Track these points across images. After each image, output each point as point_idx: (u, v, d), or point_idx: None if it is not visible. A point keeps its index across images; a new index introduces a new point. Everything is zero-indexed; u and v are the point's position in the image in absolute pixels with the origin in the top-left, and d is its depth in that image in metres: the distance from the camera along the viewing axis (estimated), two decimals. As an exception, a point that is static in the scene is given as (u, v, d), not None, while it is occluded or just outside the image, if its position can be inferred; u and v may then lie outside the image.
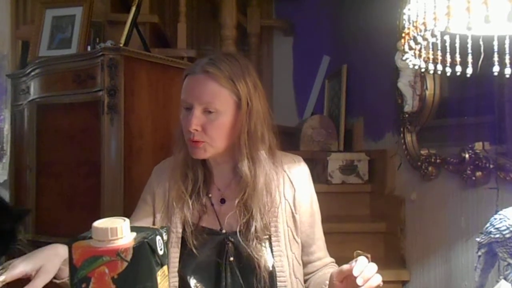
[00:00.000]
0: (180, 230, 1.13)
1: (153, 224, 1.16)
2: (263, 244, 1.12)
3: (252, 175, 1.10)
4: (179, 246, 1.13)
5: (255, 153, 1.11)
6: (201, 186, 1.15)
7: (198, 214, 1.15)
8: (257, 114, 1.10)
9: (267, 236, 1.12)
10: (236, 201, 1.11)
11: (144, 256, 0.54)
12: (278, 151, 1.18)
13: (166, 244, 0.59)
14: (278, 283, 1.11)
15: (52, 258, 0.93)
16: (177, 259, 1.12)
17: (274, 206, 1.13)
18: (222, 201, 1.16)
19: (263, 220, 1.11)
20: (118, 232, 0.55)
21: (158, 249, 0.56)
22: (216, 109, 1.06)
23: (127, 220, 0.59)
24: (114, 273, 0.53)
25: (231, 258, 1.10)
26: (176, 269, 1.11)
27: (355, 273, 0.89)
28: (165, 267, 0.58)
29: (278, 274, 1.11)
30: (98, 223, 0.56)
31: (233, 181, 1.16)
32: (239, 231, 1.11)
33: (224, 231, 1.13)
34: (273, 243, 1.12)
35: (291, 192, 1.17)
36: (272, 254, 1.12)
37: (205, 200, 1.16)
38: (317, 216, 1.21)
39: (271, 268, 1.11)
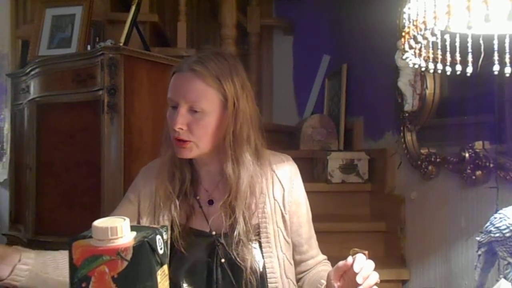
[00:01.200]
0: (168, 232, 1.11)
1: (139, 221, 1.14)
2: (252, 246, 1.10)
3: (236, 176, 1.08)
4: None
5: (239, 155, 1.08)
6: (188, 186, 1.13)
7: (185, 215, 1.13)
8: (244, 115, 1.08)
9: (257, 238, 1.11)
10: (221, 203, 1.10)
11: (144, 255, 0.54)
12: (266, 151, 1.16)
13: (166, 243, 0.59)
14: (269, 285, 1.09)
15: None
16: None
17: (258, 208, 1.12)
18: (210, 202, 1.15)
19: (246, 223, 1.09)
20: (118, 231, 0.55)
21: (158, 248, 0.56)
22: (201, 109, 1.05)
23: (127, 219, 0.59)
24: (114, 272, 0.53)
25: (222, 260, 1.09)
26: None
27: (355, 269, 0.89)
28: (165, 266, 0.58)
29: (268, 275, 1.10)
30: (98, 222, 0.56)
31: (220, 183, 1.14)
32: (224, 233, 1.10)
33: (213, 232, 1.12)
34: (262, 245, 1.11)
35: (280, 192, 1.15)
36: (262, 256, 1.11)
37: (193, 201, 1.14)
38: (308, 215, 1.20)
39: (261, 270, 1.10)
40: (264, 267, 1.10)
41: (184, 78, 1.06)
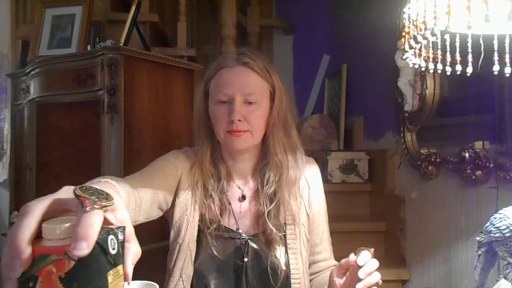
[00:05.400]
0: (197, 224, 1.12)
1: (174, 198, 1.12)
2: (279, 242, 1.12)
3: (285, 164, 1.13)
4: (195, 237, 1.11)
5: (288, 143, 1.14)
6: (224, 183, 1.15)
7: (219, 212, 1.13)
8: (287, 103, 1.15)
9: (282, 234, 1.13)
10: (264, 191, 1.12)
11: (92, 255, 0.53)
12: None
13: (122, 243, 0.58)
14: (292, 280, 1.11)
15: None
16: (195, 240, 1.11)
17: (296, 198, 1.15)
18: (243, 197, 1.16)
19: (287, 210, 1.12)
20: (67, 231, 0.54)
21: (110, 248, 0.55)
22: (255, 100, 1.09)
23: None
24: (61, 272, 0.51)
25: (246, 259, 1.10)
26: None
27: (359, 262, 0.90)
28: (119, 267, 0.56)
29: (292, 271, 1.12)
30: (47, 222, 0.56)
31: (252, 178, 1.17)
32: (254, 234, 1.12)
33: (240, 230, 1.13)
34: (288, 241, 1.13)
35: (307, 191, 1.19)
36: (287, 252, 1.13)
37: (225, 198, 1.15)
38: (326, 217, 1.23)
39: (285, 266, 1.11)
40: (288, 264, 1.12)
41: (237, 71, 1.10)
